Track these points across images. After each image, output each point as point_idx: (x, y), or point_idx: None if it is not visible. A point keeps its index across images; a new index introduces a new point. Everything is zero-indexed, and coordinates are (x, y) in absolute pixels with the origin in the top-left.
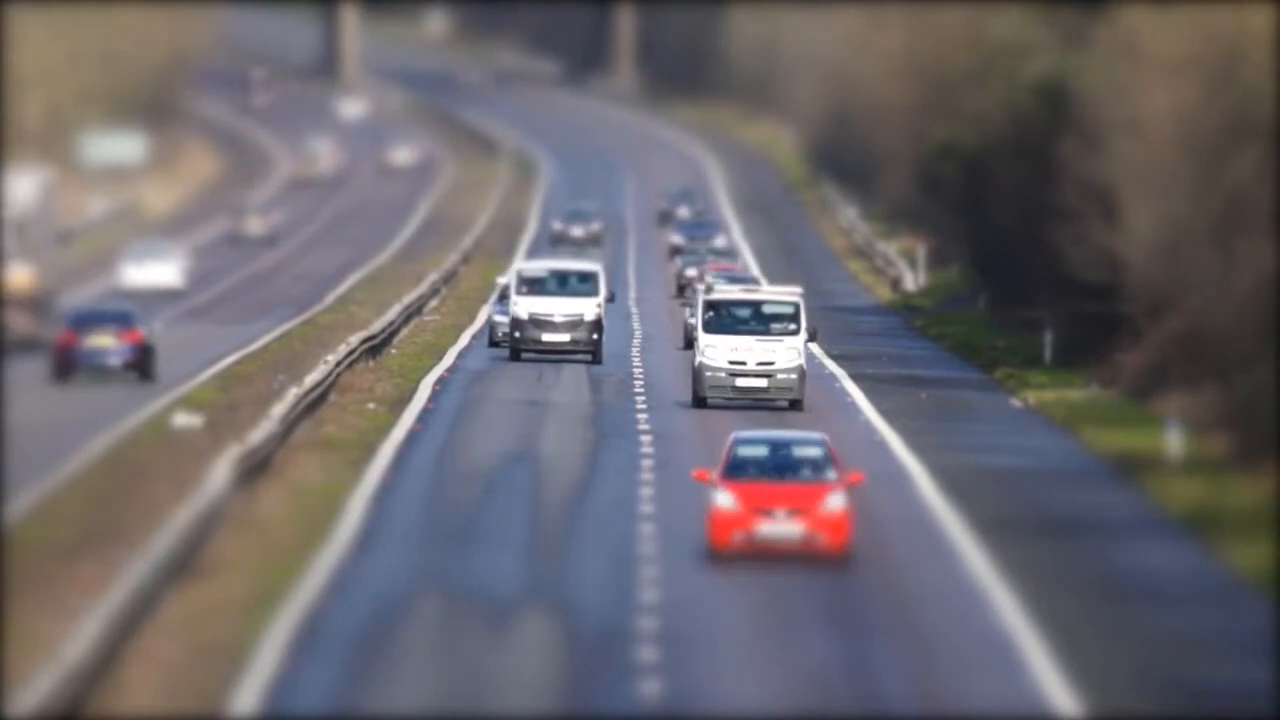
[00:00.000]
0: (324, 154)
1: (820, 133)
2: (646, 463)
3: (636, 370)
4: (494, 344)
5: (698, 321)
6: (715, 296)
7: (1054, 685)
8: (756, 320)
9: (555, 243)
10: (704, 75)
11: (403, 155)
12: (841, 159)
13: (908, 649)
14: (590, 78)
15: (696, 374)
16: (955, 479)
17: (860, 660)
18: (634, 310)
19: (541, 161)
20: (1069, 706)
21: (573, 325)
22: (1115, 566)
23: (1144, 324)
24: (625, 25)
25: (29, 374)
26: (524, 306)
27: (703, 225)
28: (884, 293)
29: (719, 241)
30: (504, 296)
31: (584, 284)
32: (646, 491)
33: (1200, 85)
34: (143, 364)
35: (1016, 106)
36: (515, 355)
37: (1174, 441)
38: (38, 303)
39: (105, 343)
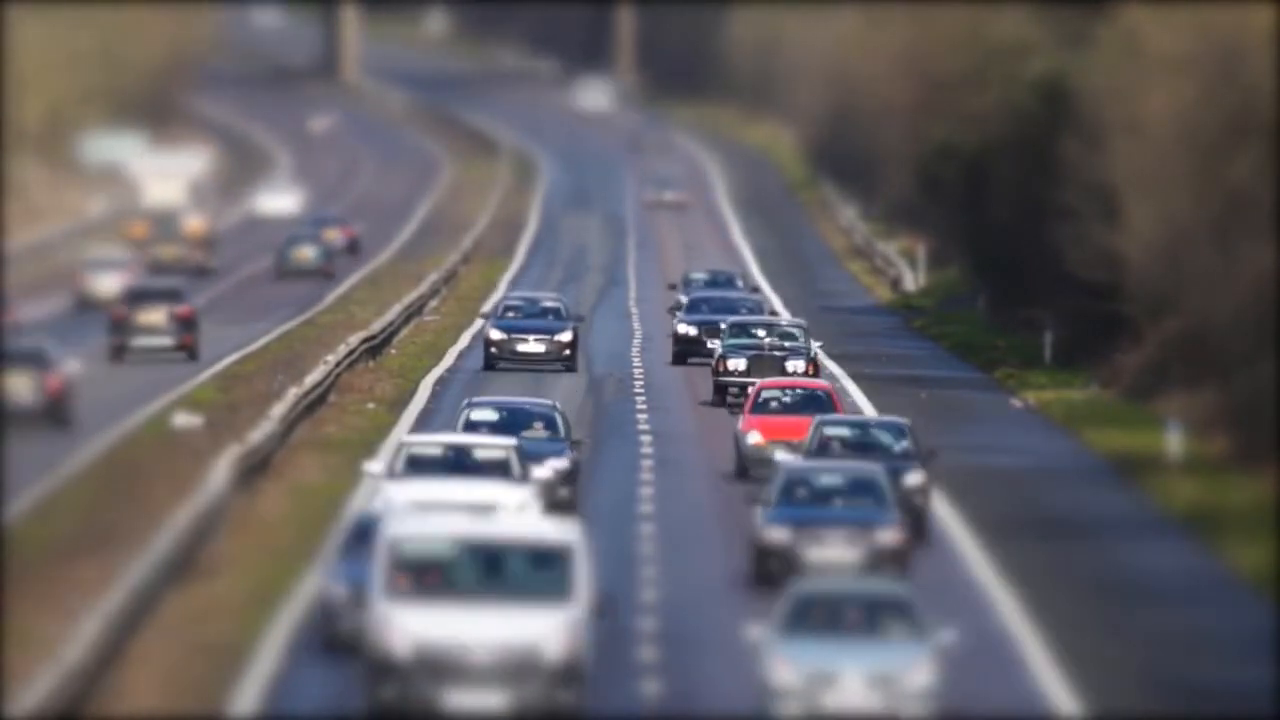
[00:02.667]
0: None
1: (820, 133)
2: (646, 463)
3: (636, 370)
4: (334, 643)
5: None
6: None
7: (1054, 685)
8: None
9: (494, 362)
10: (704, 75)
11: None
12: (841, 159)
13: None
14: (590, 78)
15: None
16: (955, 479)
17: None
18: (634, 310)
19: (541, 161)
20: (1069, 706)
21: (512, 675)
22: (1115, 566)
23: (1144, 324)
24: (625, 25)
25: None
26: (400, 629)
27: (732, 303)
28: (884, 293)
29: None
30: (362, 535)
31: (543, 572)
32: (646, 491)
33: (1200, 85)
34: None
35: (1016, 106)
36: None
37: (1174, 441)
38: (209, 241)
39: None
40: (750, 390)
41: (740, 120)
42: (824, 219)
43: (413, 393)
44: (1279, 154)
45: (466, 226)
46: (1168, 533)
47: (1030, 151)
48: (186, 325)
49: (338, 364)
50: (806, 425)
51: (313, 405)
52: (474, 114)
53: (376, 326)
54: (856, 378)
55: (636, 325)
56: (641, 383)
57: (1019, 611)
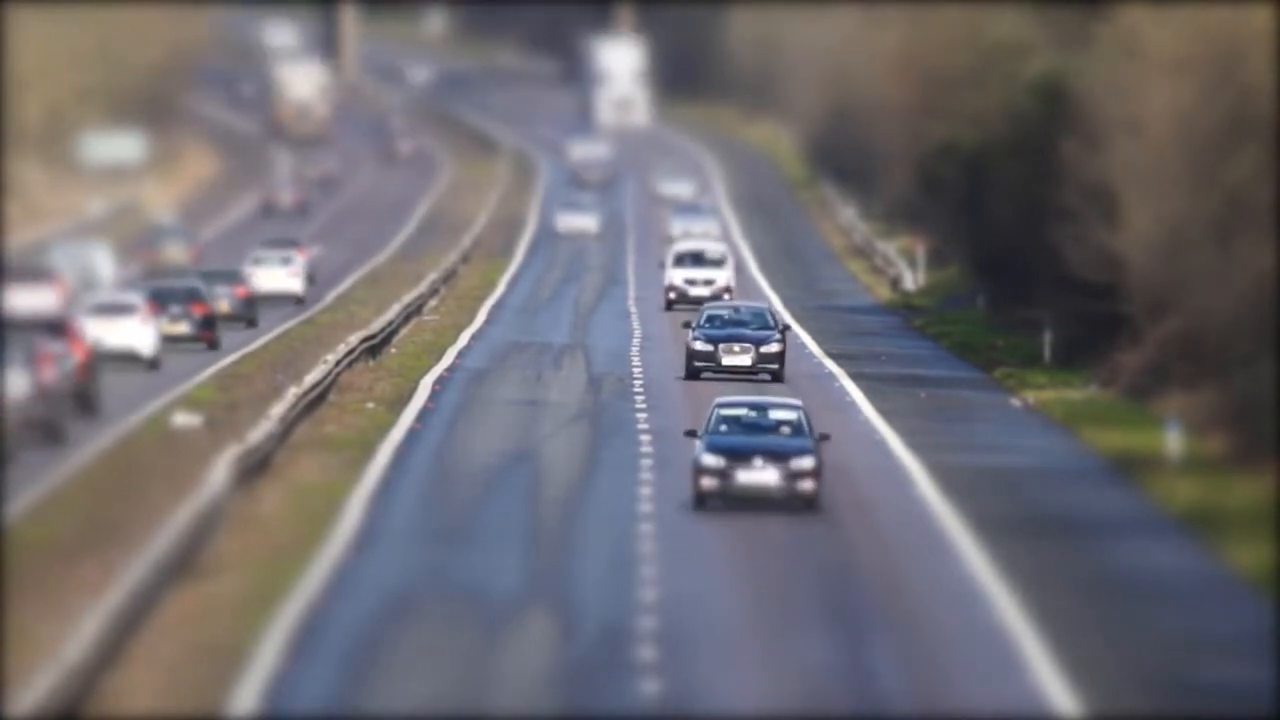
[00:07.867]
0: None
1: (820, 132)
2: (646, 462)
3: (636, 370)
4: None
5: None
6: None
7: (1054, 685)
8: None
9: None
10: (704, 75)
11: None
12: (841, 159)
13: (907, 649)
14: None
15: None
16: (955, 479)
17: (860, 660)
18: (633, 310)
19: (541, 161)
20: (1069, 706)
21: None
22: (1115, 566)
23: (1144, 324)
24: (625, 25)
25: None
26: None
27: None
28: (883, 292)
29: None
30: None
31: None
32: (646, 491)
33: (1200, 85)
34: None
35: (1016, 106)
36: None
37: (1174, 441)
38: (329, 122)
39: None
40: None
41: (740, 120)
42: (824, 218)
43: (412, 392)
44: (1278, 154)
45: (466, 226)
46: (1167, 532)
47: (1030, 151)
48: (424, 155)
49: (337, 363)
50: None
51: (312, 405)
52: (473, 113)
53: (376, 326)
54: (856, 377)
55: (636, 325)
56: (641, 382)
57: (1018, 611)
